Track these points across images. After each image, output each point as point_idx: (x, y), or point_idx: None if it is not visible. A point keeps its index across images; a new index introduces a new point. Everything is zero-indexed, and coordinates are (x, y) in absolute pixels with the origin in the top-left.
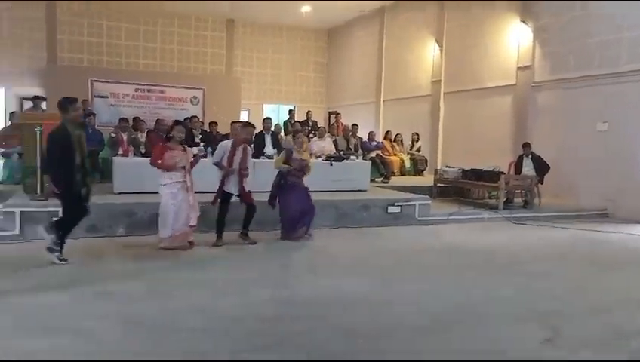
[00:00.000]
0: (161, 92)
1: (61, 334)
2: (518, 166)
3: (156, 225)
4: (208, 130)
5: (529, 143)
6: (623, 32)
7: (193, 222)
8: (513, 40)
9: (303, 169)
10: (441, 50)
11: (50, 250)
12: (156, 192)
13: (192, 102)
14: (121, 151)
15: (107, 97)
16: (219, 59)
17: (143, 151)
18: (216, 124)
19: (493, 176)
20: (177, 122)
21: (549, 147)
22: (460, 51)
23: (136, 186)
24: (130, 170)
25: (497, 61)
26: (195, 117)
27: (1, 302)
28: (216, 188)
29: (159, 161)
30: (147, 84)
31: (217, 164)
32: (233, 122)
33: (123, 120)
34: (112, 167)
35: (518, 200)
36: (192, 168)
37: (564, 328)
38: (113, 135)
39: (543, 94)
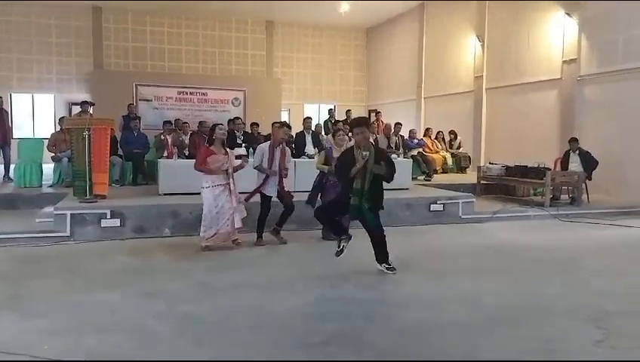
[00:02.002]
0: (203, 94)
1: (113, 332)
2: (564, 162)
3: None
4: (250, 131)
5: (576, 138)
6: None
7: (238, 224)
8: (557, 33)
9: None
10: (482, 46)
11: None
12: (194, 193)
13: (233, 103)
14: (165, 154)
15: (151, 100)
16: (259, 60)
17: (187, 153)
18: (257, 125)
19: (538, 173)
20: (217, 124)
21: (597, 142)
22: (503, 46)
23: (180, 188)
24: (175, 171)
25: (541, 55)
26: (239, 118)
27: (55, 301)
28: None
29: (203, 166)
30: (189, 87)
31: (258, 168)
32: (274, 123)
33: (167, 122)
34: (158, 169)
35: (565, 197)
36: (235, 172)
37: (617, 327)
38: (162, 138)
39: (590, 88)
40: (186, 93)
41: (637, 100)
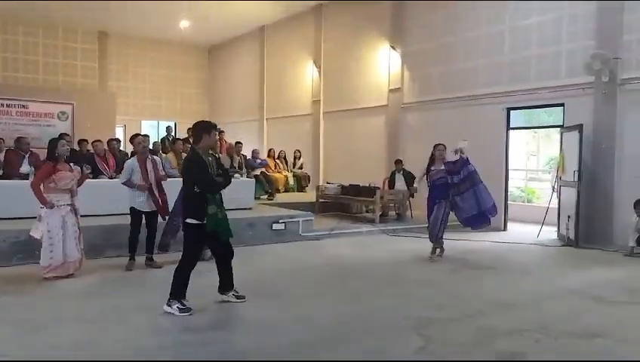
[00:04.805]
0: (24, 107)
1: None
2: (391, 181)
3: (17, 254)
4: (78, 149)
5: (401, 160)
6: (479, 59)
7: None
8: (385, 64)
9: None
10: (319, 72)
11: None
12: (10, 218)
13: (59, 117)
14: None
15: None
16: (91, 72)
17: (1, 172)
18: (87, 141)
19: (369, 191)
20: (58, 140)
21: (418, 163)
22: (337, 73)
23: None
24: None
25: (371, 83)
26: (67, 134)
27: None
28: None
29: (38, 186)
30: (6, 98)
31: (126, 184)
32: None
33: None
34: None
35: (392, 213)
36: (80, 185)
37: (438, 334)
38: None
39: (411, 114)
40: (3, 105)
41: (447, 125)
